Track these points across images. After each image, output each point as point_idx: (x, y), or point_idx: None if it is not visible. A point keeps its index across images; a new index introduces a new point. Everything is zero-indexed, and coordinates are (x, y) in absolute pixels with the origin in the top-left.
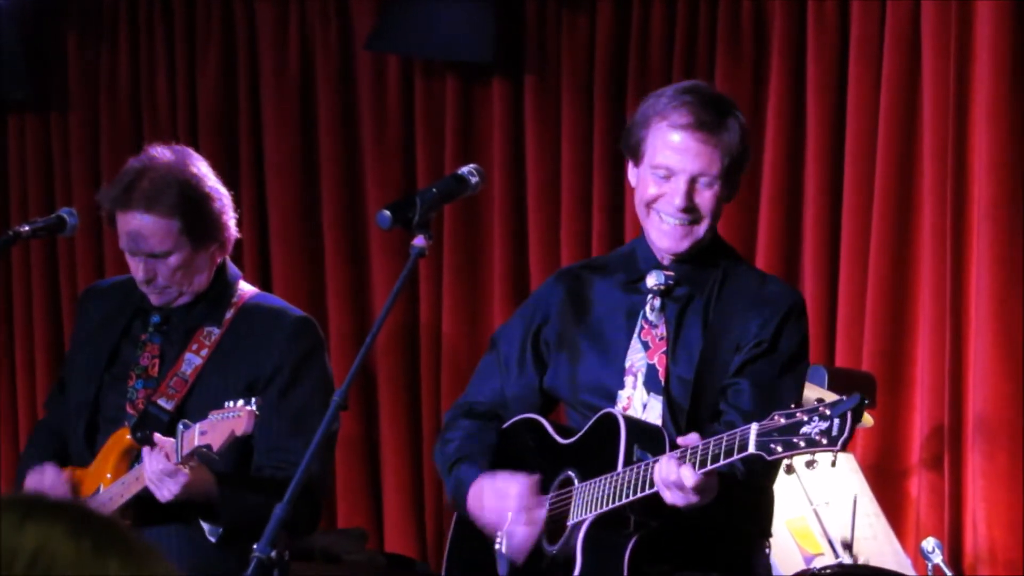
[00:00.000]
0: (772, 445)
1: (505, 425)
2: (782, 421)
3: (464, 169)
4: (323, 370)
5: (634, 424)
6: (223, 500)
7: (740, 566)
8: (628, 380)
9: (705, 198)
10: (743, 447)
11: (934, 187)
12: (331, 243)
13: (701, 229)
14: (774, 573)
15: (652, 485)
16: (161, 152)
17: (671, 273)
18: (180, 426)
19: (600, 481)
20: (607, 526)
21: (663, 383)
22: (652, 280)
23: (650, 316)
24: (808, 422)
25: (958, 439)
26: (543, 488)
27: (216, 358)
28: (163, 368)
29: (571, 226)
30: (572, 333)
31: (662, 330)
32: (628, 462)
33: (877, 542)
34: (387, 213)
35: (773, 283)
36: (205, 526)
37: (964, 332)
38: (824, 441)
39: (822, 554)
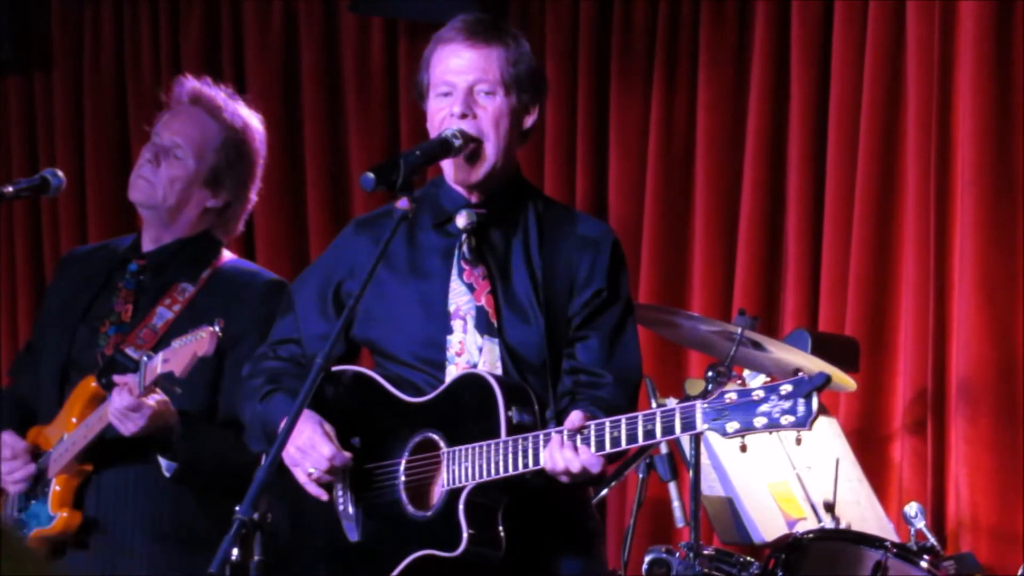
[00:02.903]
0: (726, 424)
1: (333, 369)
2: (734, 398)
3: (448, 131)
4: None
5: (504, 385)
6: (182, 435)
7: (581, 513)
8: (456, 324)
9: (488, 110)
10: (689, 425)
11: (918, 153)
12: (314, 204)
13: (490, 150)
14: (757, 537)
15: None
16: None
17: (483, 211)
18: (144, 358)
19: (482, 448)
20: (483, 491)
21: (495, 325)
22: (462, 220)
23: (469, 256)
24: (765, 400)
25: (941, 404)
26: (388, 449)
27: (187, 314)
28: (135, 317)
29: (555, 190)
30: (384, 282)
31: (482, 270)
32: (511, 429)
33: (860, 507)
34: (371, 175)
35: (585, 219)
36: (162, 461)
37: (947, 297)
38: (786, 422)
39: (805, 518)
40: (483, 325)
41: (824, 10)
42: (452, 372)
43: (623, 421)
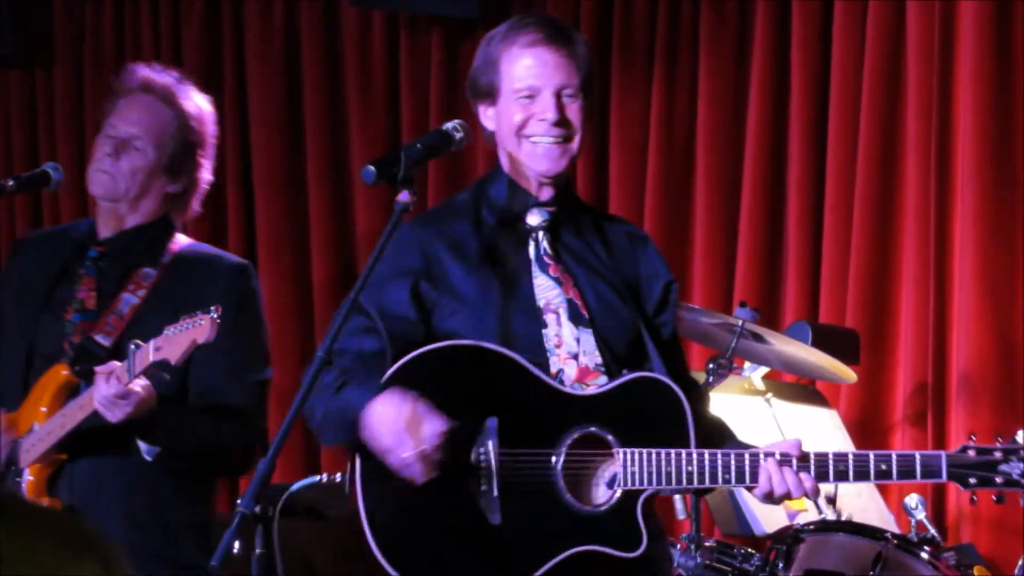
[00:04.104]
0: (970, 479)
1: (441, 345)
2: (972, 455)
3: (449, 124)
4: (260, 315)
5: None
6: (163, 419)
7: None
8: (549, 318)
9: (573, 111)
10: (931, 473)
11: (918, 146)
12: (315, 198)
13: (574, 146)
14: (758, 529)
15: (753, 479)
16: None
17: (552, 208)
18: (131, 346)
19: (670, 455)
20: (654, 496)
21: (587, 316)
22: (536, 218)
23: (550, 252)
24: (1006, 461)
25: (941, 395)
26: (538, 436)
27: (153, 298)
28: (100, 304)
29: None
30: (460, 277)
31: (562, 265)
32: (698, 443)
33: (860, 498)
34: (372, 168)
35: (616, 218)
36: (142, 445)
37: (948, 289)
38: None
39: (805, 510)
40: (576, 317)
41: (824, 3)
42: (556, 363)
43: (851, 457)
